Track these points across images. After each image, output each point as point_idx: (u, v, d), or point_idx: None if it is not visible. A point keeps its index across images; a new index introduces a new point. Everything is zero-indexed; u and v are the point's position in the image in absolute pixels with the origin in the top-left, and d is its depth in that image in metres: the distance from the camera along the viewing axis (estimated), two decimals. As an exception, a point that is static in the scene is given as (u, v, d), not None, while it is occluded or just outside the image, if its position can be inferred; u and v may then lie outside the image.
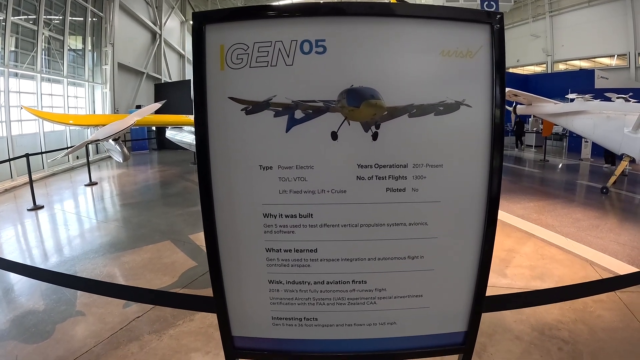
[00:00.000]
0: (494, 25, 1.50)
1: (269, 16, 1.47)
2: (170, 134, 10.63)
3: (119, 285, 3.40)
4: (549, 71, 21.88)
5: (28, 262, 4.78)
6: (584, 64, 20.53)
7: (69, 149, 4.99)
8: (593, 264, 4.52)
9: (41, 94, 11.61)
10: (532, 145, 16.98)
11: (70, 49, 13.49)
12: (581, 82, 15.68)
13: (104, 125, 4.71)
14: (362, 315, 1.75)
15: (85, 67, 14.56)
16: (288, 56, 1.47)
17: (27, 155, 7.65)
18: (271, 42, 1.46)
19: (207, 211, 1.60)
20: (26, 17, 10.89)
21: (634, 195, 8.20)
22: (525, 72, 23.38)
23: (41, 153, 10.30)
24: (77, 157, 12.91)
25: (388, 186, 1.58)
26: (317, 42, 1.46)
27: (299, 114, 1.50)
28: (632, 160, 7.82)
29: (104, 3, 15.30)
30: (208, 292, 1.75)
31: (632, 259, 4.63)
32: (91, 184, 9.86)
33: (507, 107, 10.48)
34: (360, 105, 1.48)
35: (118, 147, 5.30)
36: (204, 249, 1.67)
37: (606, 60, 19.56)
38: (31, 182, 7.70)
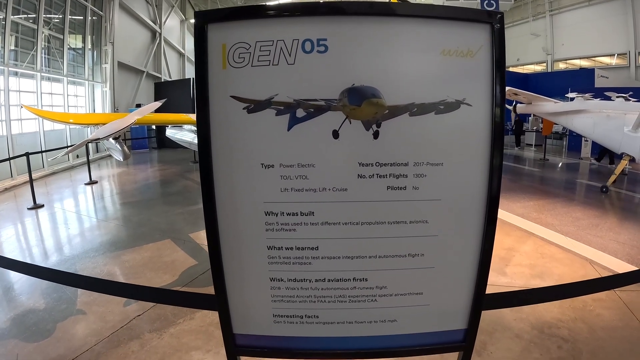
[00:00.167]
0: (494, 24, 1.50)
1: (270, 15, 1.47)
2: (170, 132, 10.66)
3: (121, 283, 3.41)
4: (549, 70, 21.88)
5: (28, 261, 4.79)
6: (584, 63, 20.54)
7: (69, 148, 5.00)
8: (593, 263, 4.53)
9: (41, 93, 11.60)
10: (532, 144, 16.98)
11: (70, 48, 13.49)
12: (581, 81, 15.69)
13: (104, 124, 4.72)
14: (362, 312, 1.76)
15: (85, 66, 14.55)
16: (290, 55, 1.47)
17: (27, 154, 7.65)
18: (273, 41, 1.47)
19: (209, 209, 1.60)
20: (26, 16, 10.89)
21: (633, 194, 8.21)
22: (525, 71, 23.38)
23: (41, 152, 10.31)
24: (77, 156, 12.91)
25: (389, 184, 1.59)
26: (318, 42, 1.47)
27: (300, 113, 1.51)
28: (632, 160, 7.83)
29: (104, 2, 15.29)
30: (208, 290, 1.76)
31: (632, 257, 4.65)
32: (91, 182, 9.87)
33: (507, 106, 10.50)
34: (362, 104, 1.49)
35: (118, 146, 5.31)
36: (204, 247, 1.68)
37: (606, 59, 19.55)
38: (31, 181, 7.71)
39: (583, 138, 12.67)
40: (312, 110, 1.51)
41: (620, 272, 3.97)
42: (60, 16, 12.67)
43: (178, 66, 25.38)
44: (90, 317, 3.45)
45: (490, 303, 2.20)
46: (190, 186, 9.62)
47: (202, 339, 3.10)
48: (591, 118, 8.50)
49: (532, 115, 12.03)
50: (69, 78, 13.27)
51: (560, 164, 12.76)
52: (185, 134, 9.53)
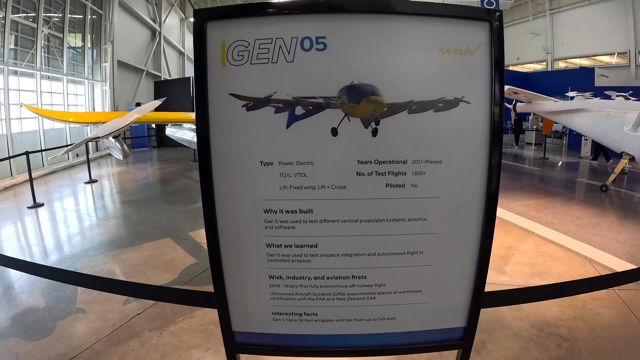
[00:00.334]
0: (493, 22, 1.50)
1: (269, 13, 1.48)
2: (170, 131, 10.65)
3: (121, 281, 3.41)
4: (549, 69, 21.88)
5: (28, 260, 4.80)
6: (584, 62, 20.54)
7: (69, 147, 4.99)
8: (592, 262, 4.53)
9: (41, 92, 11.59)
10: (532, 143, 16.98)
11: (69, 47, 13.47)
12: (581, 80, 15.69)
13: (103, 123, 4.71)
14: (361, 310, 1.76)
15: (84, 65, 14.53)
16: (289, 53, 1.47)
17: (27, 153, 7.65)
18: (272, 39, 1.47)
19: (208, 207, 1.61)
20: (26, 14, 10.88)
21: (633, 194, 8.21)
22: (525, 70, 23.38)
23: (41, 151, 10.31)
24: (77, 155, 12.91)
25: (388, 182, 1.59)
26: (317, 39, 1.47)
27: (299, 111, 1.51)
28: (632, 159, 7.83)
29: (104, 0, 15.26)
30: (208, 288, 1.76)
31: (631, 256, 4.65)
32: (91, 181, 9.86)
33: (506, 104, 10.50)
34: (361, 101, 1.49)
35: (118, 145, 5.30)
36: (204, 246, 1.68)
37: (606, 59, 19.55)
38: (31, 179, 7.71)
39: (583, 137, 12.66)
40: (311, 107, 1.51)
41: (620, 270, 3.97)
42: (60, 15, 12.65)
43: (178, 65, 25.36)
44: (90, 315, 3.45)
45: (489, 301, 2.20)
46: (190, 185, 9.62)
47: (202, 337, 3.10)
48: (591, 117, 8.50)
49: (532, 114, 12.01)
50: (68, 77, 13.26)
51: (560, 162, 12.77)
52: (185, 133, 9.53)
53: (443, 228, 1.66)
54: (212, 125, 1.53)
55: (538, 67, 23.29)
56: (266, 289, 1.74)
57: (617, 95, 8.59)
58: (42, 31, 11.46)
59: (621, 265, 4.38)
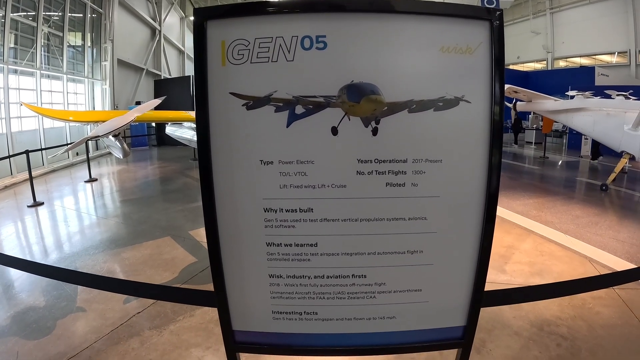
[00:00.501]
0: (494, 21, 1.50)
1: (270, 12, 1.48)
2: (170, 130, 10.63)
3: (121, 280, 3.41)
4: (549, 68, 21.84)
5: (28, 259, 4.80)
6: (584, 61, 20.51)
7: (69, 146, 4.99)
8: (592, 261, 4.53)
9: (41, 91, 11.58)
10: (532, 142, 16.98)
11: (69, 46, 13.45)
12: (581, 79, 15.68)
13: (103, 122, 4.71)
14: (361, 309, 1.76)
15: (84, 64, 14.51)
16: (289, 52, 1.47)
17: (27, 152, 7.65)
18: (272, 38, 1.47)
19: (208, 206, 1.61)
20: (25, 13, 10.86)
21: (633, 193, 8.21)
22: (525, 69, 23.36)
23: (41, 150, 10.30)
24: (77, 154, 12.90)
25: (388, 181, 1.59)
26: (317, 38, 1.47)
27: (299, 109, 1.51)
28: (632, 158, 7.82)
29: (103, -1, 15.26)
30: (208, 287, 1.76)
31: (631, 256, 4.65)
32: (91, 180, 9.86)
33: (507, 103, 10.49)
34: (361, 100, 1.49)
35: (118, 143, 5.30)
36: (204, 244, 1.68)
37: (606, 58, 19.52)
38: (31, 178, 7.71)
39: (583, 136, 12.66)
40: (311, 106, 1.51)
41: (620, 270, 3.98)
42: (60, 14, 12.64)
43: (178, 63, 25.34)
44: (90, 314, 3.45)
45: (489, 300, 2.20)
46: (190, 183, 9.62)
47: (202, 336, 3.10)
48: (591, 116, 8.49)
49: (532, 113, 12.00)
50: (68, 76, 13.24)
51: (560, 162, 12.76)
52: (185, 131, 9.51)
53: (443, 227, 1.67)
54: (212, 124, 1.53)
55: (538, 66, 23.25)
56: (266, 288, 1.74)
57: (617, 95, 8.58)
58: (42, 30, 11.44)
59: (621, 264, 4.38)
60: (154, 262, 4.64)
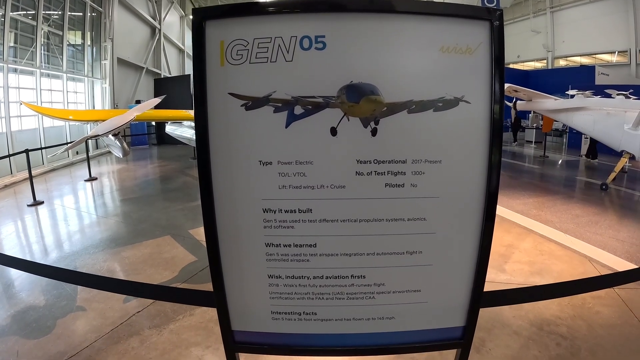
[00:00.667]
0: (494, 21, 1.50)
1: (269, 12, 1.47)
2: (169, 129, 10.62)
3: (120, 280, 3.41)
4: (550, 67, 21.80)
5: (28, 258, 4.80)
6: (585, 60, 20.48)
7: (69, 145, 4.99)
8: (592, 261, 4.53)
9: (40, 90, 11.57)
10: (532, 141, 16.97)
11: (69, 44, 13.43)
12: (581, 78, 15.66)
13: (103, 121, 4.71)
14: (360, 309, 1.76)
15: (84, 62, 14.50)
16: (288, 52, 1.47)
17: (26, 151, 7.64)
18: (271, 38, 1.46)
19: (207, 206, 1.61)
20: (25, 12, 10.85)
21: (633, 192, 8.21)
22: (525, 68, 23.31)
23: (41, 149, 10.29)
24: (77, 153, 12.89)
25: (387, 182, 1.59)
26: (316, 38, 1.46)
27: (298, 110, 1.51)
28: (632, 157, 7.82)
29: (103, -2, 15.24)
30: (208, 287, 1.76)
31: (631, 255, 4.65)
32: (91, 179, 9.86)
33: (507, 102, 10.48)
34: (360, 101, 1.49)
35: (118, 142, 5.30)
36: (204, 244, 1.68)
37: (607, 57, 19.49)
38: (31, 177, 7.70)
39: (583, 135, 12.64)
40: (310, 107, 1.51)
41: (620, 269, 3.98)
42: (60, 12, 12.62)
43: (178, 62, 25.32)
44: (90, 313, 3.46)
45: (488, 301, 2.20)
46: (190, 182, 9.62)
47: (202, 335, 3.11)
48: (591, 115, 8.48)
49: (532, 112, 11.99)
50: (68, 74, 13.23)
51: (560, 161, 12.76)
52: (184, 130, 9.50)
53: (442, 228, 1.66)
54: (211, 124, 1.53)
55: (538, 65, 23.21)
56: (265, 288, 1.74)
57: (618, 94, 8.58)
58: (42, 29, 11.43)
59: (621, 264, 4.38)
60: (154, 261, 4.64)
